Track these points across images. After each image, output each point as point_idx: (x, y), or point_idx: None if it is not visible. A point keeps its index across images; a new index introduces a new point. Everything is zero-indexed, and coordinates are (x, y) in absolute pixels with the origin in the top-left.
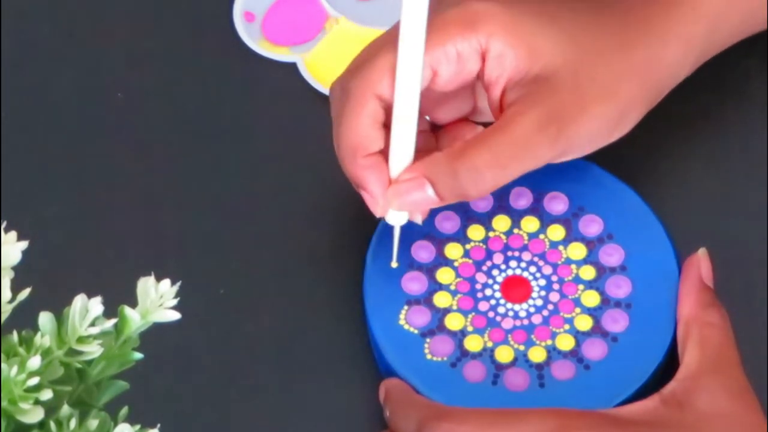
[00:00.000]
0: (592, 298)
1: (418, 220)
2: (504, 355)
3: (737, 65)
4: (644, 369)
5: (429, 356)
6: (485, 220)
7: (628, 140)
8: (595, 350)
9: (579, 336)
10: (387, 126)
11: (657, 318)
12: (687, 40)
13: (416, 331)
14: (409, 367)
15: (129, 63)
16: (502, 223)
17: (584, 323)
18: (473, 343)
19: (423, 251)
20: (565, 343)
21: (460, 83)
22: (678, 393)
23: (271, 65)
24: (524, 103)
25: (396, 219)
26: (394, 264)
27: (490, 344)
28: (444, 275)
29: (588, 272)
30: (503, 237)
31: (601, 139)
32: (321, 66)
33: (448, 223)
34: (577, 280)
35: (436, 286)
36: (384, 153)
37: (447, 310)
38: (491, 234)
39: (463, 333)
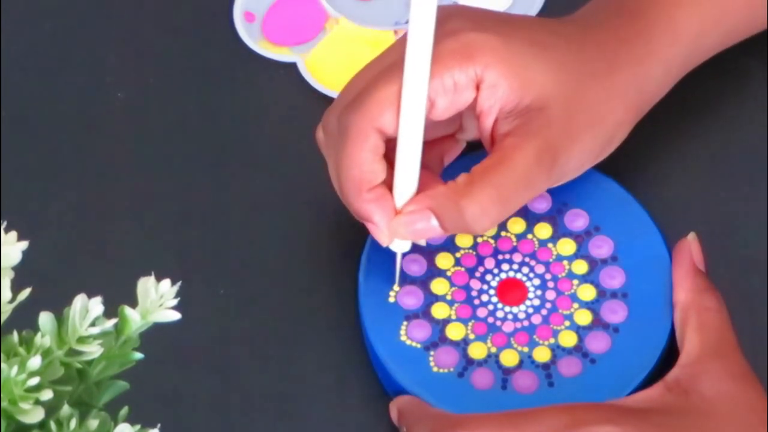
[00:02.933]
0: (588, 292)
1: (422, 243)
2: (509, 358)
3: (737, 65)
4: (649, 356)
5: (435, 369)
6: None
7: (628, 137)
8: (598, 343)
9: (581, 331)
10: (389, 157)
11: (654, 304)
12: (667, 60)
13: (419, 345)
14: (417, 381)
15: (129, 63)
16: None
17: (584, 317)
18: (477, 351)
19: (414, 264)
20: (568, 339)
21: (454, 112)
22: (682, 379)
23: (271, 65)
24: (519, 135)
25: (400, 246)
26: (396, 288)
27: (494, 350)
28: (438, 286)
29: (580, 266)
30: (491, 241)
31: (589, 163)
32: (321, 66)
33: None
34: (571, 275)
35: (433, 298)
36: (386, 183)
37: (447, 321)
38: (479, 239)
39: (465, 342)
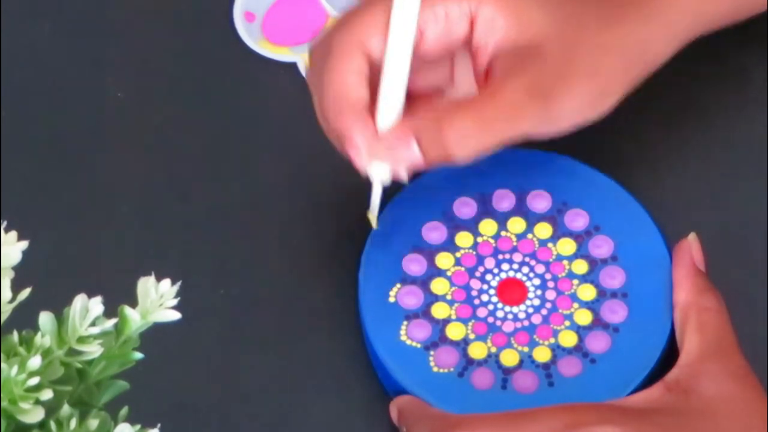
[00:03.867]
0: (588, 292)
1: (403, 176)
2: (509, 358)
3: (737, 65)
4: (649, 356)
5: (435, 369)
6: (472, 226)
7: (629, 137)
8: (598, 343)
9: (581, 331)
10: (371, 83)
11: (654, 304)
12: (670, 23)
13: (419, 345)
14: (417, 381)
15: (129, 63)
16: (488, 227)
17: (584, 317)
18: (477, 351)
19: (414, 264)
20: (568, 339)
21: (444, 47)
22: (681, 379)
23: (271, 65)
24: (513, 70)
25: (379, 173)
26: (374, 226)
27: (494, 350)
28: (438, 286)
29: (580, 266)
30: (492, 241)
31: (580, 116)
32: None
33: (435, 234)
34: (571, 275)
35: (433, 298)
36: (369, 108)
37: (447, 321)
38: (479, 239)
39: (465, 342)
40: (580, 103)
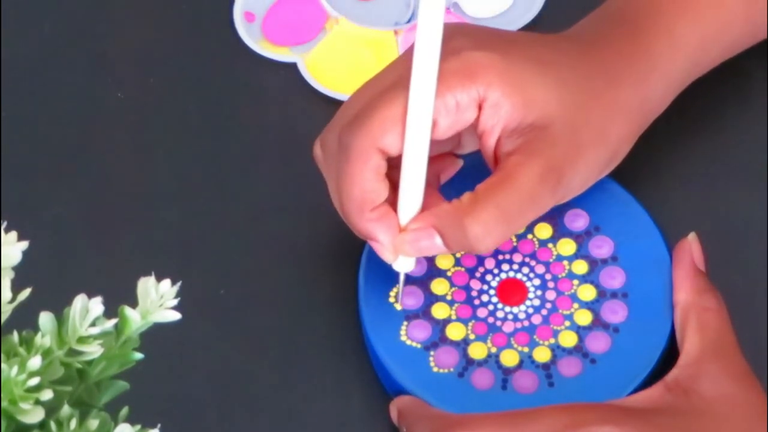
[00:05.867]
0: (588, 292)
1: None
2: (509, 359)
3: (737, 66)
4: (649, 357)
5: (435, 369)
6: None
7: None
8: (598, 343)
9: (581, 331)
10: (388, 176)
11: (654, 305)
12: (668, 75)
13: (419, 345)
14: (417, 382)
15: (129, 63)
16: None
17: (584, 318)
18: (477, 351)
19: (415, 264)
20: (568, 339)
21: (456, 131)
22: (681, 380)
23: (271, 65)
24: (523, 154)
25: (404, 266)
26: (398, 307)
27: (494, 350)
28: (438, 286)
29: (580, 266)
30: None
31: (593, 179)
32: (321, 66)
33: None
34: (571, 275)
35: (433, 298)
36: (389, 201)
37: (447, 321)
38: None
39: (466, 342)
40: (591, 172)
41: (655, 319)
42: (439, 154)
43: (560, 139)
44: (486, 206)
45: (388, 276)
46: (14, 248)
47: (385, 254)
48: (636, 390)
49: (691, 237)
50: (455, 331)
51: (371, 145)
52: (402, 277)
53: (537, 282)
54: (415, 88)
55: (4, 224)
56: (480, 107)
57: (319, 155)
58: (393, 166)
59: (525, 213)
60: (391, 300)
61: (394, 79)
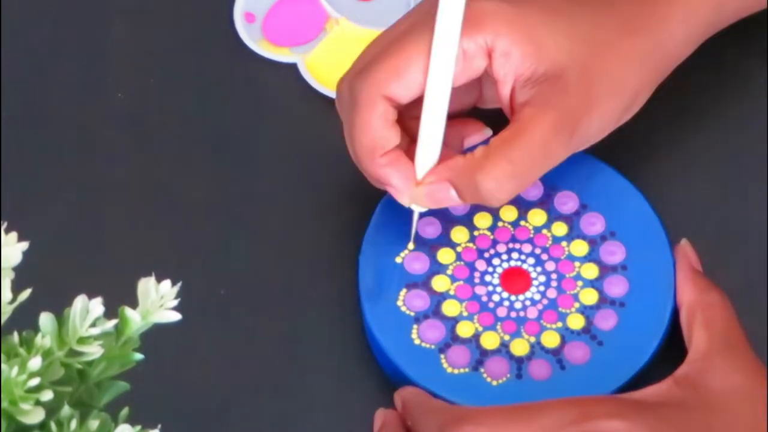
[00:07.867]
0: (590, 271)
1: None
2: (520, 348)
3: (737, 65)
4: (654, 332)
5: (449, 369)
6: (466, 220)
7: (629, 137)
8: (606, 321)
9: (587, 311)
10: (399, 122)
11: (655, 275)
12: (687, 23)
13: (432, 347)
14: (433, 381)
15: (129, 63)
16: (509, 213)
17: (590, 297)
18: (490, 341)
19: (417, 263)
20: (576, 321)
21: (466, 80)
22: (691, 374)
23: (271, 66)
24: (537, 105)
25: (419, 206)
26: (411, 245)
27: (506, 338)
28: (439, 283)
29: (580, 247)
30: (488, 233)
31: (610, 128)
32: (321, 67)
33: (430, 228)
34: (571, 257)
35: (439, 297)
36: (401, 147)
37: (457, 319)
38: (475, 233)
39: (476, 335)
40: (606, 122)
41: (657, 290)
42: (466, 119)
43: (574, 89)
44: (498, 162)
45: (392, 279)
46: (14, 249)
47: (402, 198)
48: (642, 370)
49: (684, 243)
50: (465, 328)
51: (377, 93)
52: (416, 217)
53: (539, 268)
54: (438, 35)
55: (4, 225)
56: (490, 56)
57: (337, 103)
58: (413, 117)
59: (538, 166)
60: (399, 304)
61: (406, 28)
